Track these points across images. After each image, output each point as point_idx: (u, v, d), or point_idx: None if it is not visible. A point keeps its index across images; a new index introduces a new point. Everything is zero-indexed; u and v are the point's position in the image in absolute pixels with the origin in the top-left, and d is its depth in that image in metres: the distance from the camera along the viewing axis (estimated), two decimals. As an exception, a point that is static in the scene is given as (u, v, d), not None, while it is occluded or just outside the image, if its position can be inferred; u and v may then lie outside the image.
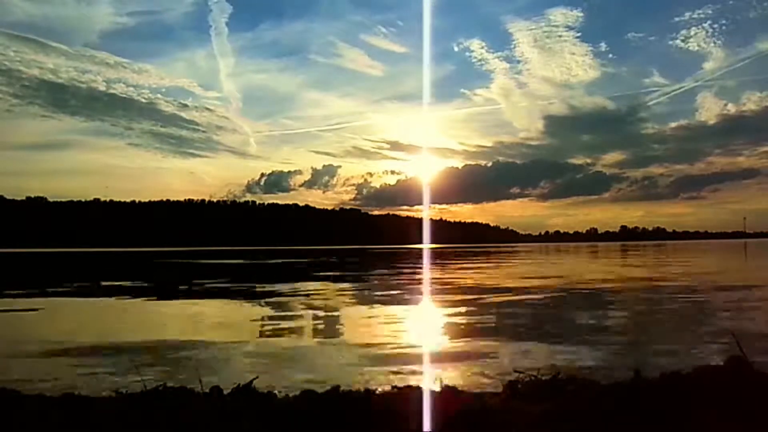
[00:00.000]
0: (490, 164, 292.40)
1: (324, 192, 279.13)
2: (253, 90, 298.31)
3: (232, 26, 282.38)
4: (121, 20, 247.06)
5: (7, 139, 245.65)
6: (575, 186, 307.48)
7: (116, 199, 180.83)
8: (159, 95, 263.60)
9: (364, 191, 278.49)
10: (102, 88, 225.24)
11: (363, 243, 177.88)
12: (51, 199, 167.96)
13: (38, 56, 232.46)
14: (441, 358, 6.49)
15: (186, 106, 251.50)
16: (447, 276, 23.01)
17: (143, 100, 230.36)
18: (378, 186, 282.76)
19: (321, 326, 9.61)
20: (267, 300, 13.84)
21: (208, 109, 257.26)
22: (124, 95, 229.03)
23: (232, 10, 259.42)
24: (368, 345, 7.32)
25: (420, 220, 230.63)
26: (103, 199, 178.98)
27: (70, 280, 23.22)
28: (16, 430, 3.32)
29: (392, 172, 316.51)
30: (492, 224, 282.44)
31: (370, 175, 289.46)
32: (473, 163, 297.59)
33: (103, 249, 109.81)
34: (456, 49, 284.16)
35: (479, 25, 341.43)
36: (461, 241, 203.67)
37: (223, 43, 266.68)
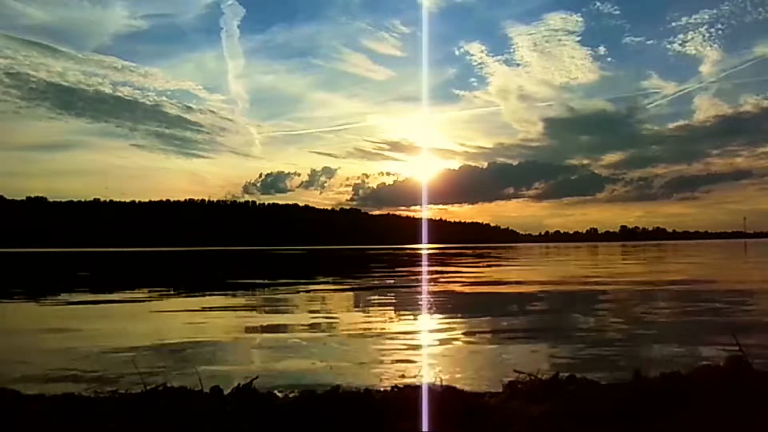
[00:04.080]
0: (485, 165, 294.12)
1: (321, 193, 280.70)
2: (260, 91, 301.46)
3: (243, 28, 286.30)
4: (135, 23, 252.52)
5: (11, 140, 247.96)
6: (569, 186, 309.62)
7: (116, 199, 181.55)
8: (164, 97, 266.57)
9: (360, 192, 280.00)
10: (108, 90, 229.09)
11: (363, 243, 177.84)
12: (51, 199, 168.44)
13: (47, 60, 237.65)
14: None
15: (190, 108, 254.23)
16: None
17: (148, 102, 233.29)
18: (375, 186, 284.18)
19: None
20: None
21: (211, 111, 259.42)
22: (130, 97, 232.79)
23: (245, 12, 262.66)
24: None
25: (419, 221, 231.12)
26: (103, 199, 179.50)
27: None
28: (16, 430, 3.32)
29: (388, 174, 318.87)
30: (490, 224, 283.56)
31: (366, 176, 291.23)
32: (471, 164, 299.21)
33: (102, 249, 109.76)
34: (457, 53, 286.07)
35: (479, 30, 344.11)
36: (462, 241, 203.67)
37: (234, 45, 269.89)
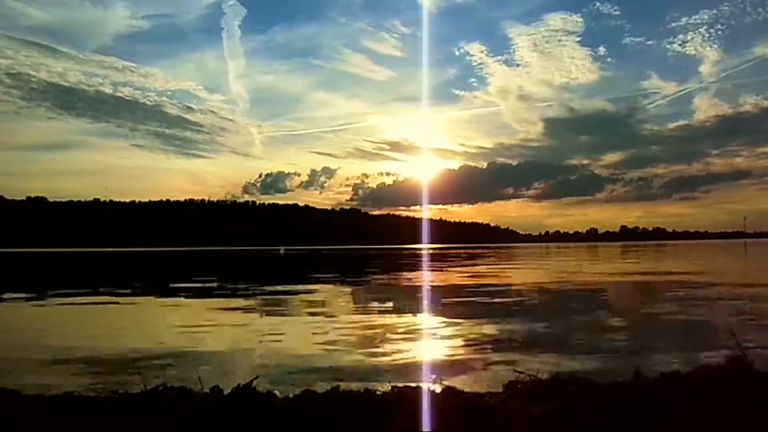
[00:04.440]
0: (485, 165, 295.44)
1: (320, 193, 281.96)
2: (261, 91, 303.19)
3: (244, 29, 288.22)
4: (137, 23, 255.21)
5: (11, 140, 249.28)
6: (569, 187, 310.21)
7: (116, 199, 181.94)
8: (165, 98, 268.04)
9: (360, 192, 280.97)
10: (109, 90, 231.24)
11: (363, 243, 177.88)
12: (51, 199, 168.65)
13: (47, 60, 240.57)
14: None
15: (191, 108, 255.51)
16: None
17: (149, 103, 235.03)
18: (374, 186, 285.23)
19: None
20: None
21: (212, 111, 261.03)
22: (130, 98, 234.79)
23: (246, 13, 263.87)
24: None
25: (419, 220, 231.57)
26: (103, 199, 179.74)
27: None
28: (16, 430, 3.32)
29: (388, 174, 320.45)
30: (490, 224, 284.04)
31: (366, 176, 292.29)
32: (470, 164, 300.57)
33: (102, 249, 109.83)
34: (457, 53, 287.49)
35: (479, 30, 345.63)
36: (462, 241, 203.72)
37: (235, 45, 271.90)
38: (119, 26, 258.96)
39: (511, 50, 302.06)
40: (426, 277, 22.16)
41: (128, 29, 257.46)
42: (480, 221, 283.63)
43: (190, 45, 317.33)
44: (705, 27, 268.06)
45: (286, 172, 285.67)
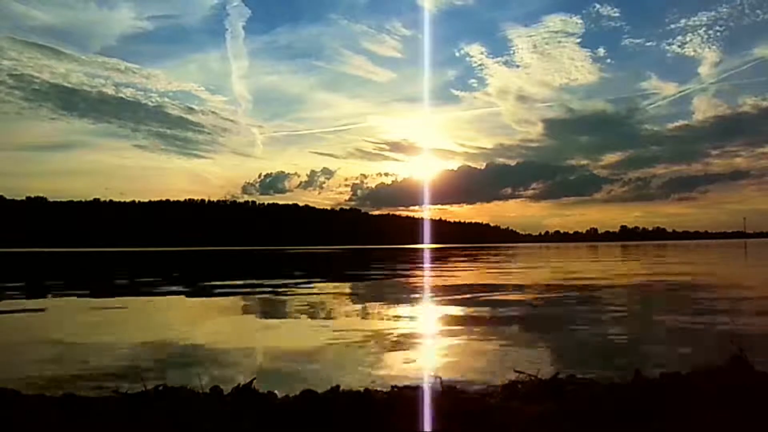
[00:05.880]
0: (483, 166, 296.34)
1: (319, 193, 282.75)
2: (263, 92, 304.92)
3: (248, 29, 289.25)
4: (141, 24, 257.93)
5: (13, 141, 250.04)
6: (567, 187, 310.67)
7: (116, 199, 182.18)
8: (167, 99, 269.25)
9: (359, 192, 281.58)
10: (111, 92, 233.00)
11: (363, 243, 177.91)
12: (51, 199, 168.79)
13: (50, 61, 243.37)
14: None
15: (192, 109, 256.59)
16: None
17: (151, 104, 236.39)
18: (373, 187, 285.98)
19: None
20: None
21: (213, 112, 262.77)
22: (133, 99, 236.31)
23: (250, 14, 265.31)
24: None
25: (419, 220, 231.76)
26: (103, 199, 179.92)
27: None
28: (16, 430, 3.32)
29: (386, 174, 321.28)
30: (490, 224, 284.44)
31: (365, 176, 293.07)
32: (469, 164, 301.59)
33: (102, 249, 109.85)
34: (457, 54, 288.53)
35: (480, 32, 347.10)
36: (463, 241, 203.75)
37: (239, 45, 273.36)
38: (123, 27, 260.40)
39: (511, 51, 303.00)
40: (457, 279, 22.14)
41: (132, 30, 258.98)
42: (479, 221, 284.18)
43: (193, 46, 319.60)
44: (704, 28, 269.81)
45: (286, 172, 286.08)
